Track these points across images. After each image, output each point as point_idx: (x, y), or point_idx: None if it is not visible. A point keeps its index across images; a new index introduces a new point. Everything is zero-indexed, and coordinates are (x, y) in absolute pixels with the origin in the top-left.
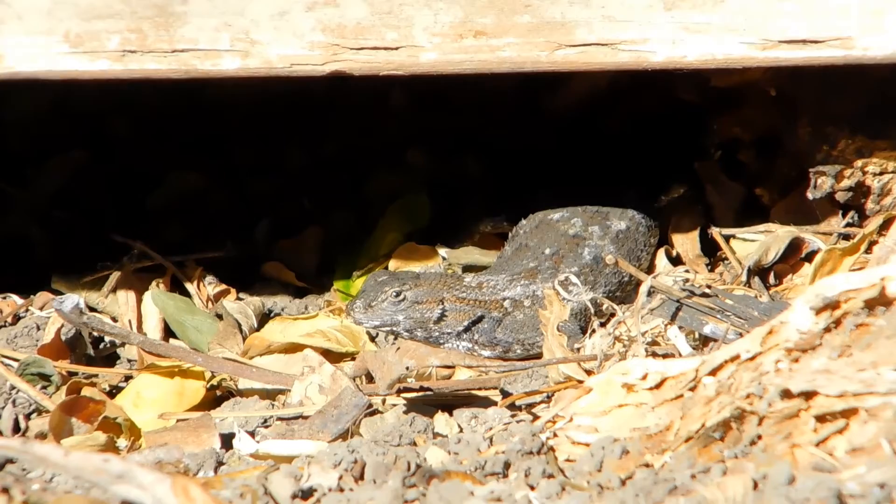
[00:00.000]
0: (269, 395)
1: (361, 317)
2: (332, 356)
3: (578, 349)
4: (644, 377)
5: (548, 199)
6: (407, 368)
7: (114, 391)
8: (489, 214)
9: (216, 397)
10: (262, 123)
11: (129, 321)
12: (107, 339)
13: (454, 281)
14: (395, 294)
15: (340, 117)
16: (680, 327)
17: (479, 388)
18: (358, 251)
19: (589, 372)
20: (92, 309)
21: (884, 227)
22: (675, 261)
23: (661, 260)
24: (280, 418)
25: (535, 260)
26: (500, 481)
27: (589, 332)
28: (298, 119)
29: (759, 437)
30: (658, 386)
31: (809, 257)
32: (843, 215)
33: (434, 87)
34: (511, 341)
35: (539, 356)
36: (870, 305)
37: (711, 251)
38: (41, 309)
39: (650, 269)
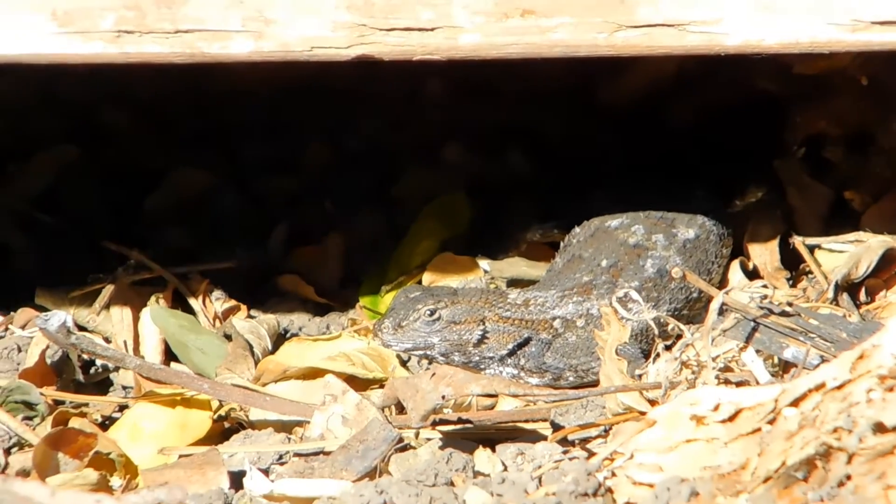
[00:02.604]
0: (285, 427)
1: (391, 338)
2: (358, 383)
3: (640, 376)
4: (716, 408)
5: (605, 202)
6: (443, 397)
7: (107, 422)
8: (538, 220)
9: (224, 430)
10: (277, 115)
11: (125, 342)
12: (99, 362)
13: (497, 298)
14: (429, 312)
15: (368, 108)
16: (757, 351)
17: (527, 420)
18: (387, 262)
19: (652, 402)
20: (81, 328)
21: None
22: (752, 274)
23: (736, 273)
24: (297, 454)
25: (590, 273)
26: None
27: (652, 356)
28: (320, 110)
29: (849, 476)
30: (732, 418)
31: None
32: None
33: (475, 74)
34: (562, 367)
35: (595, 384)
36: None
37: (793, 263)
38: (23, 328)
39: (722, 284)
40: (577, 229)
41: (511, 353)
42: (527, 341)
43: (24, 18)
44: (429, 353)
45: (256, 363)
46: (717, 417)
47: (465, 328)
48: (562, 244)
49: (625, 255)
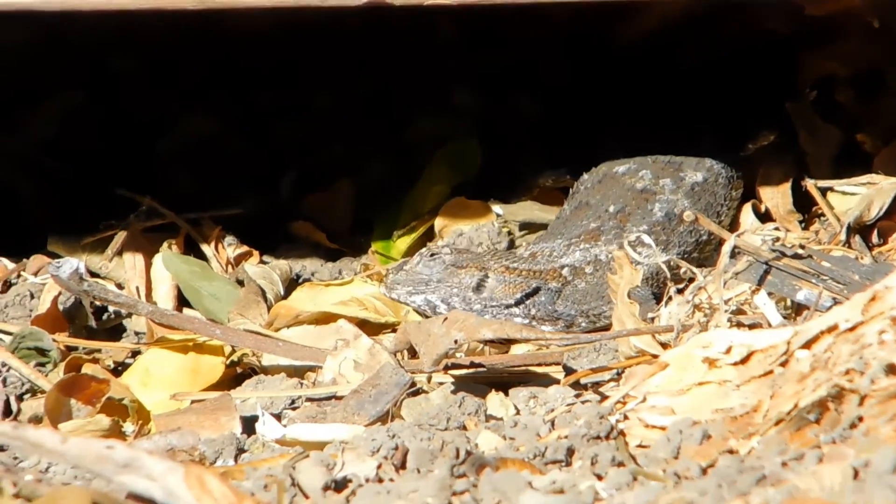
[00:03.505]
0: (298, 372)
1: (393, 278)
2: (370, 327)
3: (653, 319)
4: (728, 351)
5: (614, 146)
6: (455, 342)
7: (119, 368)
8: (549, 165)
9: (237, 375)
10: (287, 60)
11: (137, 288)
12: (111, 308)
13: (505, 253)
14: (430, 254)
15: (378, 52)
16: (769, 293)
17: (539, 364)
18: (399, 206)
19: (665, 345)
20: (94, 274)
21: None
22: (764, 217)
23: (748, 216)
24: (310, 399)
25: (598, 219)
26: (563, 470)
27: (665, 299)
28: (329, 55)
29: (861, 418)
30: (744, 361)
31: None
32: None
33: (486, 18)
34: (574, 314)
35: (607, 328)
36: None
37: (806, 206)
38: (35, 274)
39: (734, 227)
40: (585, 176)
41: (519, 303)
42: (536, 291)
43: None
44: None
45: (269, 308)
46: (729, 360)
47: (466, 272)
48: (570, 191)
49: (632, 200)
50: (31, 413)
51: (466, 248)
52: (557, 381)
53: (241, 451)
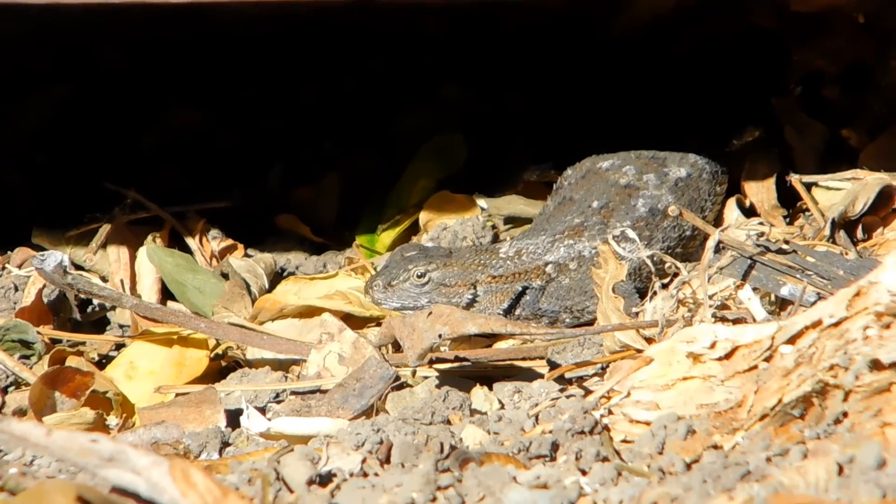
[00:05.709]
0: (282, 365)
1: (381, 296)
2: (355, 321)
3: (637, 314)
4: (712, 346)
5: (599, 141)
6: (440, 336)
7: (103, 361)
8: (535, 160)
9: (221, 368)
10: (274, 53)
11: (121, 281)
12: (95, 301)
13: (489, 257)
14: (418, 274)
15: (364, 46)
16: (754, 288)
17: (523, 359)
18: (384, 201)
19: (649, 340)
20: (78, 267)
21: None
22: (749, 212)
23: (732, 211)
24: (294, 392)
25: (581, 215)
26: (547, 465)
27: (649, 294)
28: (316, 49)
29: (845, 414)
30: (728, 356)
31: None
32: None
33: (473, 11)
34: (558, 310)
35: (592, 323)
36: None
37: (790, 201)
38: (20, 267)
39: (718, 222)
40: (569, 171)
41: (507, 311)
42: (522, 293)
43: None
44: None
45: (253, 302)
46: (713, 355)
47: (455, 291)
48: (554, 186)
49: (616, 196)
50: (16, 406)
51: (448, 250)
52: (542, 376)
53: (225, 444)
